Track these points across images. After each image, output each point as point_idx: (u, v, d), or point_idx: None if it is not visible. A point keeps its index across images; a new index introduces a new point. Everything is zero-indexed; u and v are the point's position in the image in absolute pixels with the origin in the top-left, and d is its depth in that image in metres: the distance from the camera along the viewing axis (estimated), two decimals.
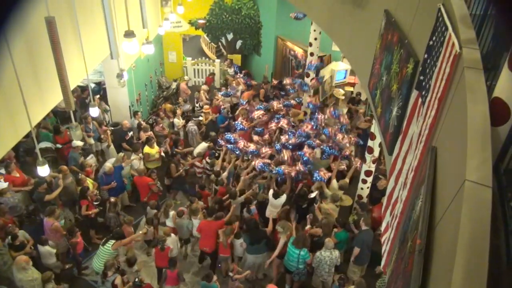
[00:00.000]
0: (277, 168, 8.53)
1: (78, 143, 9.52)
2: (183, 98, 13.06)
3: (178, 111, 11.88)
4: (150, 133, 10.64)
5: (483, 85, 2.55)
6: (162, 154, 10.23)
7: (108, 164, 9.20)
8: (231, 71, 13.94)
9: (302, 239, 7.22)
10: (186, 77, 14.48)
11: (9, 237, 7.31)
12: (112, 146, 10.53)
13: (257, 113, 10.53)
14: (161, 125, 11.24)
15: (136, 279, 7.03)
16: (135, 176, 9.32)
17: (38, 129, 10.12)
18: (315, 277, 7.53)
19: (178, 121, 11.49)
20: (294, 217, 8.10)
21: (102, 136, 10.51)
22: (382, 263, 4.40)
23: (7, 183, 8.15)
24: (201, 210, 8.43)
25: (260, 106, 10.87)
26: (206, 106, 11.73)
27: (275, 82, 13.55)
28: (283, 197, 8.19)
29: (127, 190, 9.70)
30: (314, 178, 8.41)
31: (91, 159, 9.90)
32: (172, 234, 7.98)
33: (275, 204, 8.18)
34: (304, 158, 8.61)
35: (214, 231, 7.71)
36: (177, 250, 8.11)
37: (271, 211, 8.22)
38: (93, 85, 12.59)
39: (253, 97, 12.03)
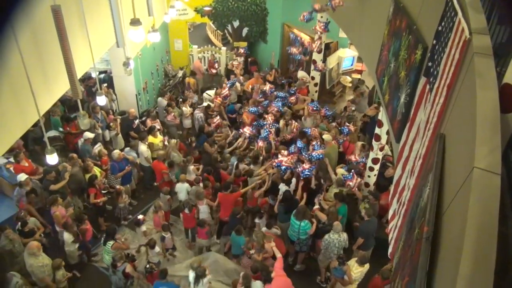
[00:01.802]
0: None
1: (89, 135, 9.59)
2: (198, 77, 13.31)
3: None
4: (157, 121, 10.69)
5: (493, 72, 2.52)
6: (166, 143, 10.25)
7: (117, 151, 9.30)
8: (240, 60, 13.88)
9: (302, 211, 7.52)
10: (199, 55, 14.55)
11: (19, 223, 7.43)
12: (120, 135, 10.59)
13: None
14: (172, 114, 11.23)
15: (147, 265, 7.14)
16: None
17: (50, 115, 10.26)
18: (323, 258, 7.61)
19: (186, 110, 11.51)
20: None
21: (111, 124, 10.56)
22: (389, 250, 4.42)
23: (26, 175, 8.27)
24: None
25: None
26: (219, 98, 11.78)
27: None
28: (293, 181, 8.48)
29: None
30: (315, 158, 8.69)
31: (99, 147, 9.99)
32: (186, 183, 8.63)
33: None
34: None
35: (231, 203, 8.23)
36: (185, 197, 8.65)
37: None
38: (102, 75, 12.60)
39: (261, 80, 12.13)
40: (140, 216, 8.20)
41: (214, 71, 14.25)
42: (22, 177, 8.14)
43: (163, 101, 11.90)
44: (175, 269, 8.05)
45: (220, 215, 8.48)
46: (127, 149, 9.53)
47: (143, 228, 8.07)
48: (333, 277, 7.36)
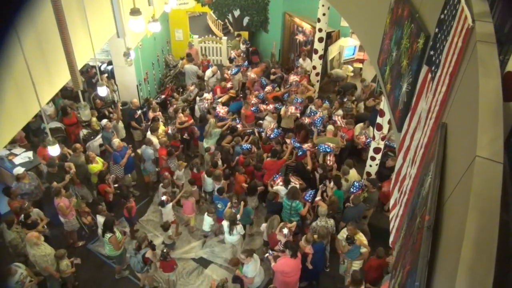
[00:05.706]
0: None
1: (106, 122, 9.77)
2: (196, 62, 13.39)
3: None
4: (158, 113, 10.66)
5: (496, 60, 2.50)
6: (169, 132, 10.23)
7: (117, 139, 9.36)
8: (243, 47, 13.83)
9: (292, 191, 7.74)
10: (192, 43, 14.49)
11: (22, 215, 7.46)
12: (121, 123, 10.60)
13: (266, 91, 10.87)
14: (175, 105, 11.18)
15: (164, 250, 7.30)
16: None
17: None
18: None
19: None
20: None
21: (112, 115, 10.58)
22: (391, 239, 4.44)
23: (23, 168, 8.29)
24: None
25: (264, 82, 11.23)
26: (232, 91, 11.76)
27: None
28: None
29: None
30: (322, 150, 8.78)
31: (100, 139, 10.02)
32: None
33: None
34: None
35: (277, 169, 8.86)
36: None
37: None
38: (110, 67, 12.52)
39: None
40: (164, 197, 8.31)
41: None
42: (18, 170, 8.15)
43: (193, 67, 12.51)
44: (180, 252, 8.46)
45: (265, 178, 8.90)
46: (143, 146, 9.47)
47: (169, 207, 8.27)
48: (348, 261, 7.27)
